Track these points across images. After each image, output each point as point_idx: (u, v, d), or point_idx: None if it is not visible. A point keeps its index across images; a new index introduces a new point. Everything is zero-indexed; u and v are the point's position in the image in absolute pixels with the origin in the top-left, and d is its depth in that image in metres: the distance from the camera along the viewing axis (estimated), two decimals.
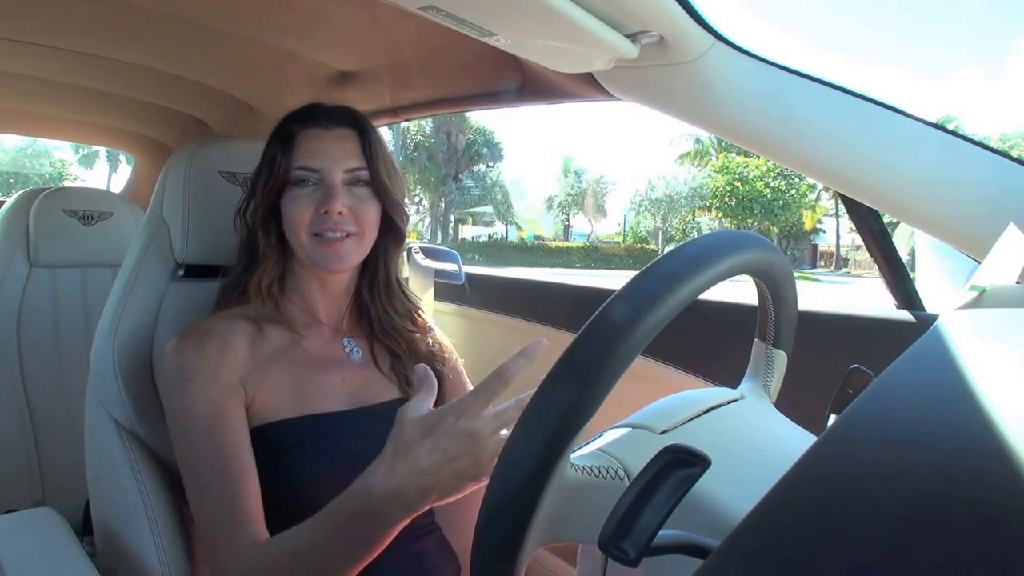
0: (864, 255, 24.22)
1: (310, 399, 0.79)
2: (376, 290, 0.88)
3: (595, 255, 29.72)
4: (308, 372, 0.80)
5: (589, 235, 33.69)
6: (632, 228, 31.39)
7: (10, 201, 1.56)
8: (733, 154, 27.32)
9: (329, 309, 0.86)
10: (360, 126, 0.82)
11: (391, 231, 0.85)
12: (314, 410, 0.78)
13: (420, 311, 0.93)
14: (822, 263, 30.01)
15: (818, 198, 27.42)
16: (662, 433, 0.56)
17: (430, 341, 0.92)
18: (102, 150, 24.47)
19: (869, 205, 0.85)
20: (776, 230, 27.00)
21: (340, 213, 0.77)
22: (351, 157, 0.79)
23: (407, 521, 0.61)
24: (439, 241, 28.48)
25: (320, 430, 0.77)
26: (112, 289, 0.88)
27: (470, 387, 0.95)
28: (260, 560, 0.65)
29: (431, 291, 1.52)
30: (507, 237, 32.49)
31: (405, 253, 1.49)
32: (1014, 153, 0.86)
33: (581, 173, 32.64)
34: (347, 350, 0.85)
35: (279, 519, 0.69)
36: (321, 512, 0.63)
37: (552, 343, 0.81)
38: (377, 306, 0.88)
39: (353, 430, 0.79)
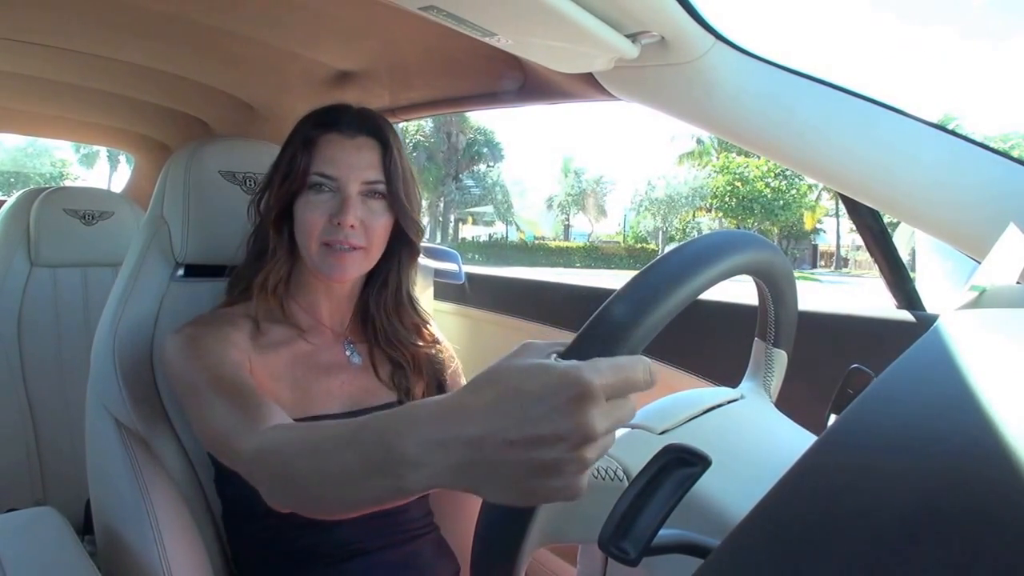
0: (864, 255, 24.20)
1: (310, 400, 0.79)
2: (383, 302, 0.87)
3: (595, 255, 29.71)
4: (308, 373, 0.80)
5: (589, 235, 33.69)
6: (632, 228, 31.38)
7: (11, 201, 1.56)
8: (733, 154, 27.29)
9: (332, 313, 0.85)
10: (383, 136, 0.80)
11: (404, 245, 0.84)
12: (314, 412, 0.78)
13: (428, 325, 0.92)
14: (822, 263, 29.99)
15: (818, 198, 27.40)
16: (662, 433, 0.56)
17: (434, 351, 0.91)
18: (102, 150, 24.46)
19: (869, 205, 0.85)
20: (776, 230, 26.99)
21: (352, 226, 0.76)
22: (370, 168, 0.78)
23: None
24: (439, 241, 28.47)
25: None
26: (112, 288, 0.88)
27: None
28: (275, 433, 0.57)
29: (431, 291, 1.52)
30: (507, 237, 32.49)
31: None
32: (1014, 153, 0.86)
33: (581, 173, 32.62)
34: (347, 353, 0.85)
35: (277, 521, 0.68)
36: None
37: None
38: (382, 317, 0.87)
39: None
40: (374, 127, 0.80)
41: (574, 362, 0.35)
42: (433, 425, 0.37)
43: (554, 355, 0.42)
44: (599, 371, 0.34)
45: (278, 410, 0.66)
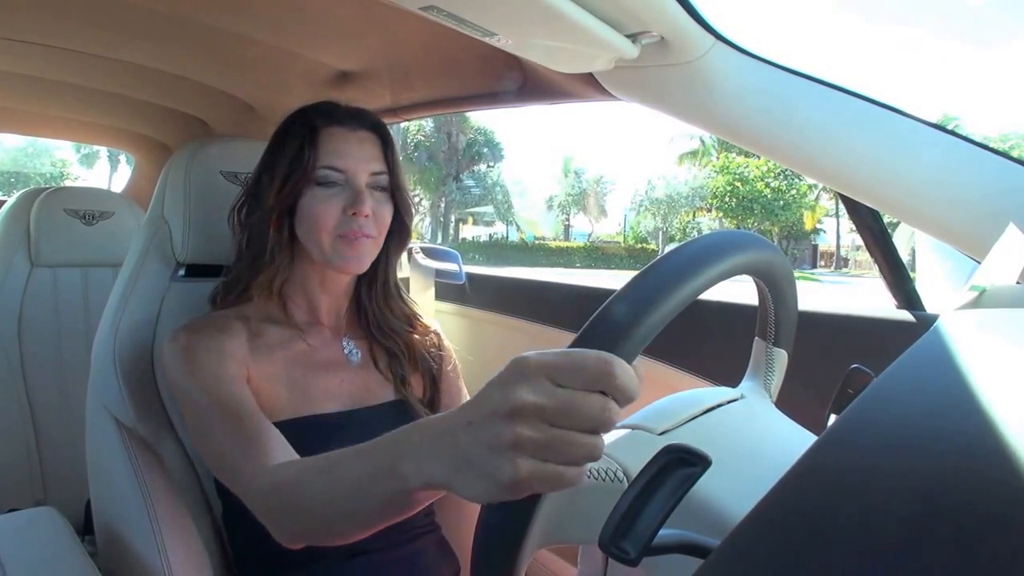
0: (864, 255, 24.18)
1: (309, 400, 0.79)
2: (374, 291, 0.88)
3: (596, 255, 29.70)
4: (307, 372, 0.80)
5: (589, 235, 33.68)
6: (632, 228, 31.37)
7: (11, 201, 1.56)
8: (733, 154, 27.27)
9: (330, 310, 0.86)
10: (381, 130, 0.83)
11: (398, 233, 0.86)
12: (313, 411, 0.78)
13: (420, 317, 0.93)
14: (822, 263, 29.97)
15: (818, 198, 27.38)
16: (662, 434, 0.56)
17: (429, 342, 0.92)
18: (103, 150, 24.46)
19: (869, 205, 0.85)
20: (776, 230, 26.96)
21: (367, 216, 0.78)
22: (374, 161, 0.80)
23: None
24: (439, 241, 28.46)
25: (320, 432, 0.77)
26: (113, 289, 0.88)
27: (464, 391, 0.95)
28: (282, 471, 0.60)
29: (431, 291, 1.52)
30: (507, 237, 32.48)
31: (406, 253, 1.49)
32: (1014, 153, 0.86)
33: (581, 173, 32.59)
34: (346, 351, 0.85)
35: None
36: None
37: (552, 343, 0.82)
38: (374, 307, 0.88)
39: (353, 431, 0.78)
40: (372, 122, 0.83)
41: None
42: (433, 426, 0.41)
43: None
44: (542, 352, 0.36)
45: (277, 435, 0.68)
